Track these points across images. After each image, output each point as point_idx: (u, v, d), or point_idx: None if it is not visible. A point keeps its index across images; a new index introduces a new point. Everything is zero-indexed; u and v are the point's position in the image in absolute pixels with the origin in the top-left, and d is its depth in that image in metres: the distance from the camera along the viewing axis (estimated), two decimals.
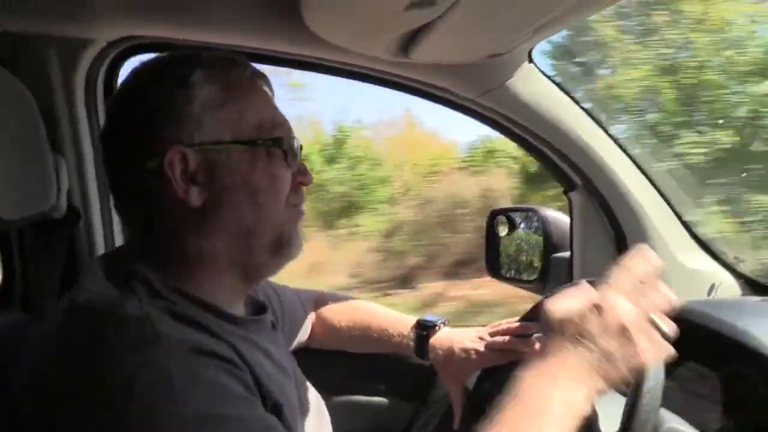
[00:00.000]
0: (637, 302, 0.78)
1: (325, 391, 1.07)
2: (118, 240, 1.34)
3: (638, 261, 0.81)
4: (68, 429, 0.67)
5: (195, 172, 0.80)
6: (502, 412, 0.73)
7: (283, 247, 0.86)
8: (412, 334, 1.21)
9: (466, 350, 1.14)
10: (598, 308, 0.76)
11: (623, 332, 0.75)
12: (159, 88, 0.81)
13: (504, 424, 0.72)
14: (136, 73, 0.86)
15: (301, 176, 0.89)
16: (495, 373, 1.13)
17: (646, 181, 1.47)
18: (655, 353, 0.77)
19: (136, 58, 1.35)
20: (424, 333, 1.20)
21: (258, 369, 0.78)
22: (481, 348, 1.14)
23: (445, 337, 1.19)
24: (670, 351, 0.78)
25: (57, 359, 0.71)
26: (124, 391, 0.65)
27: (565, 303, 0.79)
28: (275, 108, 0.90)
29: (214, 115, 0.81)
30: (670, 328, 0.78)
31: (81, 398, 0.66)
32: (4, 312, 1.22)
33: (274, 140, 0.84)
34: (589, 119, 1.41)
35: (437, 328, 1.20)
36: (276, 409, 0.78)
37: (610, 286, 0.79)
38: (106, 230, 1.32)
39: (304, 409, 0.95)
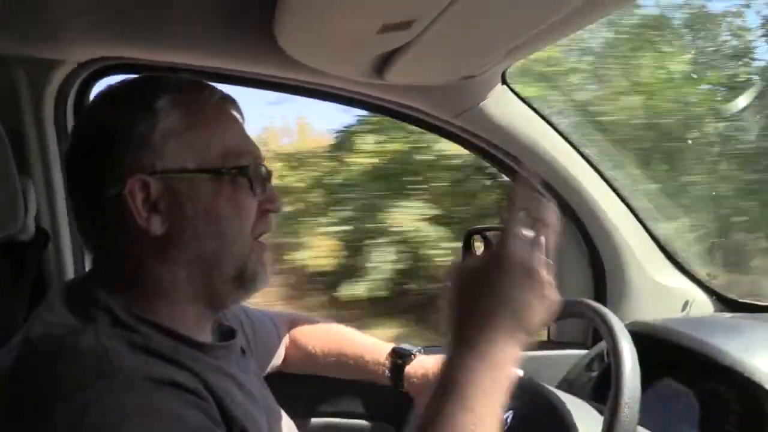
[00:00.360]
0: (533, 244, 0.75)
1: (301, 415, 1.05)
2: (89, 263, 1.31)
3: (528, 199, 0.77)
4: None
5: (156, 200, 0.77)
6: (435, 403, 0.71)
7: (246, 280, 0.84)
8: (387, 362, 1.20)
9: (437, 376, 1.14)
10: (499, 260, 0.74)
11: (530, 275, 0.73)
12: (122, 113, 0.79)
13: (438, 414, 0.70)
14: (100, 96, 0.84)
15: (269, 203, 0.86)
16: None
17: (619, 201, 1.49)
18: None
19: (107, 78, 1.33)
20: (400, 362, 1.19)
21: (225, 397, 0.75)
22: None
23: (419, 365, 1.18)
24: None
25: (8, 396, 0.68)
26: (71, 426, 0.62)
27: (467, 266, 0.77)
28: (243, 134, 0.87)
29: (178, 142, 0.79)
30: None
31: None
32: None
33: (240, 169, 0.82)
34: (562, 140, 1.43)
35: (413, 356, 1.19)
36: None
37: (506, 234, 0.75)
38: (75, 253, 1.30)
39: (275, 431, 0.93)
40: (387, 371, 1.19)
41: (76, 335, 0.70)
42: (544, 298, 0.74)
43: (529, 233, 0.75)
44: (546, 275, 0.75)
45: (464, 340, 0.74)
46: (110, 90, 0.84)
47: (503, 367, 0.72)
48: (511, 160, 1.44)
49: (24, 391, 0.66)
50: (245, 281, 0.83)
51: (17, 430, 0.64)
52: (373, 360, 1.21)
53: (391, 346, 1.22)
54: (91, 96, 1.35)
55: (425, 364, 1.17)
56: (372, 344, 1.25)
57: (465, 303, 0.76)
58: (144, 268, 0.79)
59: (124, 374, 0.66)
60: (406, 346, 1.21)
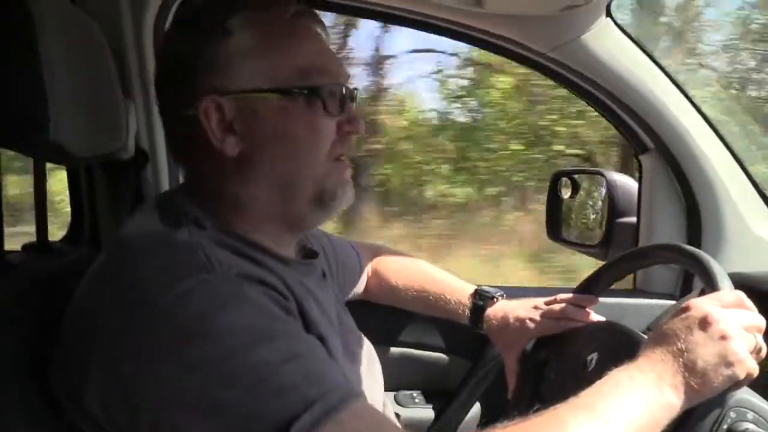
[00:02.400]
0: (738, 318, 0.79)
1: (379, 343, 1.07)
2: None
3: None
4: (113, 354, 0.66)
5: (231, 121, 0.78)
6: (577, 398, 0.74)
7: (326, 201, 0.83)
8: (468, 303, 1.20)
9: (520, 319, 1.13)
10: (702, 320, 0.77)
11: (722, 338, 0.76)
12: (195, 34, 0.79)
13: (574, 407, 0.73)
14: (177, 17, 0.86)
15: (348, 125, 0.84)
16: (550, 342, 1.12)
17: (723, 147, 1.40)
18: (749, 368, 0.77)
19: None
20: (481, 303, 1.19)
21: (304, 303, 0.78)
22: (537, 316, 1.12)
23: (499, 308, 1.17)
24: (755, 371, 0.78)
25: (108, 287, 0.71)
26: (175, 310, 0.65)
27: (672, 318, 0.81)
28: (321, 51, 0.83)
29: (250, 62, 0.78)
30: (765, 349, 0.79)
31: (126, 325, 0.66)
32: (74, 249, 1.26)
33: (314, 89, 0.79)
34: (667, 79, 1.35)
35: (495, 300, 1.18)
36: (320, 341, 0.77)
37: (714, 298, 0.81)
38: (171, 171, 1.35)
39: (354, 358, 0.95)
40: (467, 311, 1.20)
41: (170, 233, 0.74)
42: (732, 371, 0.76)
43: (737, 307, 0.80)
44: (744, 352, 0.76)
45: (636, 365, 0.77)
46: (184, 11, 0.85)
47: (652, 404, 0.73)
48: (608, 97, 1.37)
49: (124, 280, 0.70)
50: (324, 202, 0.83)
51: (120, 318, 0.67)
52: (455, 299, 1.22)
53: (473, 287, 1.22)
54: None
55: (505, 307, 1.17)
56: (454, 283, 1.25)
57: (660, 336, 0.79)
58: (222, 187, 0.81)
59: (218, 267, 0.69)
60: (488, 288, 1.21)
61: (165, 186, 1.34)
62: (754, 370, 0.77)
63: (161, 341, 0.64)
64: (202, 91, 0.77)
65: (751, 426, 0.83)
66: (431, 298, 1.24)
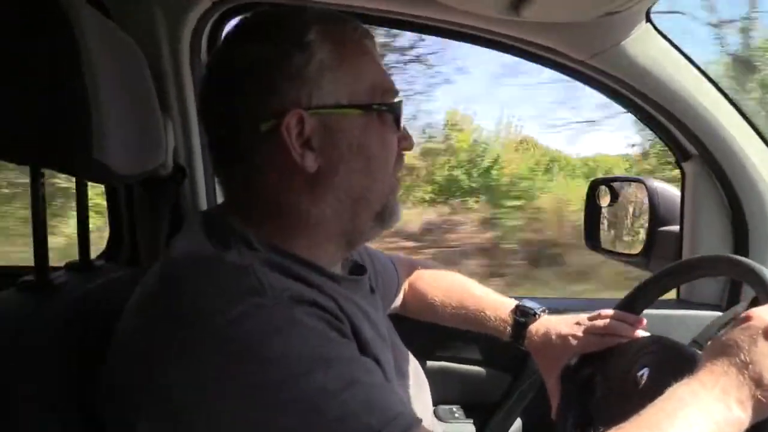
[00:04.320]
0: None
1: (418, 356, 1.05)
2: (221, 198, 1.36)
3: None
4: (165, 380, 0.65)
5: (310, 136, 0.77)
6: (639, 417, 0.72)
7: (386, 216, 0.84)
8: (510, 319, 1.17)
9: (563, 336, 1.10)
10: (767, 330, 0.75)
11: None
12: (275, 46, 0.77)
13: (638, 427, 0.71)
14: (243, 29, 0.82)
15: (404, 141, 0.85)
16: (596, 360, 1.09)
17: None
18: None
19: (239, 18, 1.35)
20: (523, 320, 1.16)
21: (357, 323, 0.77)
22: (580, 333, 1.09)
23: (542, 324, 1.14)
24: None
25: (160, 312, 0.70)
26: (228, 335, 0.63)
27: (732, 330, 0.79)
28: (384, 70, 0.85)
29: (331, 76, 0.77)
30: None
31: (184, 349, 0.65)
32: (112, 267, 1.27)
33: (389, 105, 0.81)
34: (710, 85, 1.31)
35: (537, 316, 1.15)
36: (375, 363, 0.76)
37: None
38: (209, 188, 1.35)
39: (402, 374, 0.94)
40: (509, 328, 1.17)
41: (220, 255, 0.72)
42: None
43: None
44: None
45: (697, 379, 0.75)
46: (255, 22, 0.82)
47: (719, 420, 0.71)
48: (649, 104, 1.34)
49: (177, 304, 0.68)
50: (384, 218, 0.84)
51: (172, 344, 0.66)
52: (495, 316, 1.19)
53: (514, 302, 1.19)
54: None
55: (548, 324, 1.14)
56: (494, 299, 1.22)
57: (720, 347, 0.77)
58: (290, 204, 0.79)
59: (269, 290, 0.68)
60: (530, 303, 1.18)
61: (203, 202, 1.34)
62: None
63: (214, 367, 0.63)
64: (285, 104, 0.76)
65: None
66: (471, 314, 1.21)
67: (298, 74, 0.76)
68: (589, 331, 1.09)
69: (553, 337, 1.11)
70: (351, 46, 0.80)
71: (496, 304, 1.21)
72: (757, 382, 0.72)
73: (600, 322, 1.09)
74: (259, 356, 0.63)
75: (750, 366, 0.73)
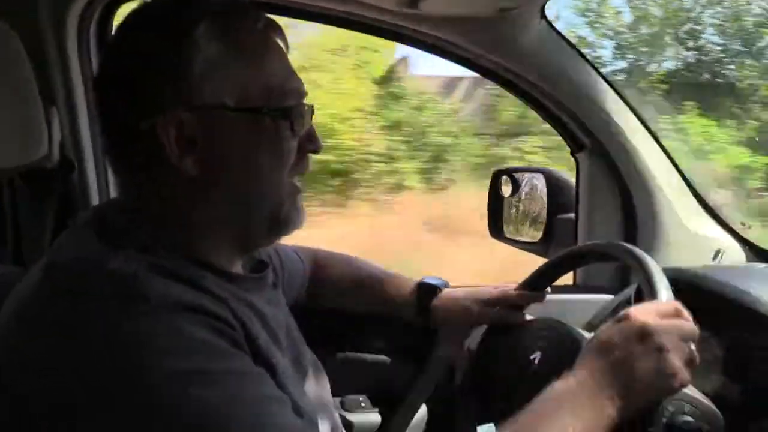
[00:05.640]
0: (674, 328, 0.80)
1: (323, 348, 1.05)
2: (114, 192, 1.30)
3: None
4: (40, 392, 0.62)
5: (191, 139, 0.72)
6: (516, 422, 0.75)
7: (280, 224, 0.81)
8: (413, 298, 1.19)
9: (465, 307, 1.14)
10: (640, 332, 0.78)
11: (659, 351, 0.77)
12: (158, 40, 0.72)
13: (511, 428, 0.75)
14: (132, 19, 0.77)
15: (309, 143, 0.81)
16: (500, 336, 1.13)
17: (656, 145, 1.44)
18: (683, 379, 0.78)
19: (131, 4, 1.29)
20: (426, 295, 1.18)
21: (251, 328, 0.74)
22: (480, 305, 1.13)
23: (444, 297, 1.17)
24: (688, 381, 0.79)
25: (32, 318, 0.67)
26: (103, 348, 0.61)
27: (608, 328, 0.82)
28: (288, 67, 0.80)
29: (218, 76, 0.72)
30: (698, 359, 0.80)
31: (55, 358, 0.62)
32: None
33: (283, 110, 0.76)
34: (600, 79, 1.38)
35: (439, 290, 1.18)
36: (267, 371, 0.73)
37: (651, 309, 0.82)
38: (100, 182, 1.29)
39: (302, 371, 0.92)
40: (413, 305, 1.19)
41: (103, 259, 0.67)
42: (667, 384, 0.77)
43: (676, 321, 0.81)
44: (679, 364, 0.77)
45: (575, 377, 0.78)
46: (143, 12, 0.77)
47: (591, 419, 0.74)
48: (545, 97, 1.39)
49: (53, 312, 0.65)
50: (279, 225, 0.81)
51: (47, 350, 0.63)
52: (399, 294, 1.20)
53: (415, 280, 1.21)
54: (115, 22, 1.32)
55: (450, 295, 1.17)
56: (397, 278, 1.24)
57: (599, 345, 0.80)
58: (174, 207, 0.75)
59: (153, 299, 0.64)
60: (432, 279, 1.20)
61: (93, 196, 1.28)
62: (688, 381, 0.79)
63: (88, 383, 0.60)
64: (163, 103, 0.71)
65: (688, 418, 0.86)
66: (375, 295, 1.22)
67: (179, 73, 0.71)
68: (489, 304, 1.13)
69: (456, 308, 1.15)
70: (248, 41, 0.75)
71: (398, 283, 1.22)
72: (628, 382, 0.76)
73: (502, 293, 1.13)
74: (136, 370, 0.60)
75: (623, 365, 0.77)
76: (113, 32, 0.80)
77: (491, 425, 1.10)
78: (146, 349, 0.61)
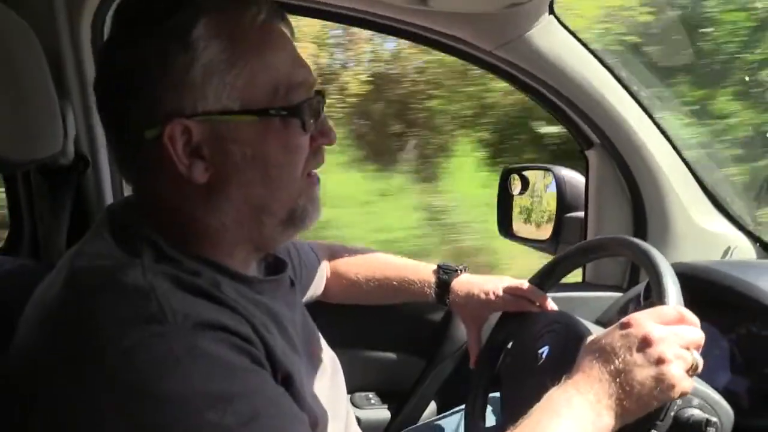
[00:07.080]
0: (677, 336, 0.79)
1: (334, 344, 1.06)
2: (127, 189, 1.31)
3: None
4: (55, 404, 0.62)
5: (199, 145, 0.70)
6: (519, 424, 0.76)
7: (296, 221, 0.78)
8: (433, 279, 1.20)
9: (485, 291, 1.15)
10: (642, 340, 0.78)
11: (659, 361, 0.77)
12: (153, 45, 0.69)
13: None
14: (124, 20, 0.73)
15: (322, 137, 0.78)
16: (512, 323, 1.15)
17: (666, 142, 1.44)
18: (684, 388, 0.78)
19: None
20: (446, 277, 1.20)
21: (269, 341, 0.73)
22: (500, 291, 1.14)
23: (464, 280, 1.19)
24: (690, 389, 0.79)
25: (57, 330, 0.66)
26: (121, 366, 0.60)
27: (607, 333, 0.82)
28: (294, 59, 0.76)
29: (219, 80, 0.70)
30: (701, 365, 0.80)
31: (73, 371, 0.62)
32: (13, 259, 1.21)
33: (291, 109, 0.73)
34: (610, 76, 1.38)
35: (459, 272, 1.20)
36: (286, 381, 0.74)
37: (655, 315, 0.82)
38: (114, 178, 1.30)
39: (318, 371, 0.92)
40: (433, 287, 1.20)
41: (123, 270, 0.67)
42: (667, 394, 0.77)
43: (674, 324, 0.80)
44: (680, 374, 0.77)
45: (574, 384, 0.78)
46: (136, 13, 0.72)
47: (589, 428, 0.75)
48: (553, 94, 1.39)
49: (72, 327, 0.65)
50: (295, 221, 0.79)
51: (66, 367, 0.63)
52: (419, 279, 1.22)
53: (434, 264, 1.23)
54: None
55: (470, 279, 1.19)
56: (415, 265, 1.26)
57: (599, 351, 0.80)
58: (186, 213, 0.74)
59: (173, 318, 0.63)
60: (450, 264, 1.22)
61: (108, 192, 1.29)
62: (689, 389, 0.79)
63: (105, 402, 0.60)
64: (166, 111, 0.69)
65: (696, 411, 0.86)
66: (395, 283, 1.23)
67: (180, 80, 0.69)
68: (508, 291, 1.14)
69: (476, 291, 1.16)
70: (249, 38, 0.72)
71: (417, 268, 1.24)
72: (627, 391, 0.76)
73: (520, 284, 1.15)
74: (153, 392, 0.59)
75: (623, 375, 0.76)
76: (110, 32, 0.75)
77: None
78: (164, 371, 0.60)
